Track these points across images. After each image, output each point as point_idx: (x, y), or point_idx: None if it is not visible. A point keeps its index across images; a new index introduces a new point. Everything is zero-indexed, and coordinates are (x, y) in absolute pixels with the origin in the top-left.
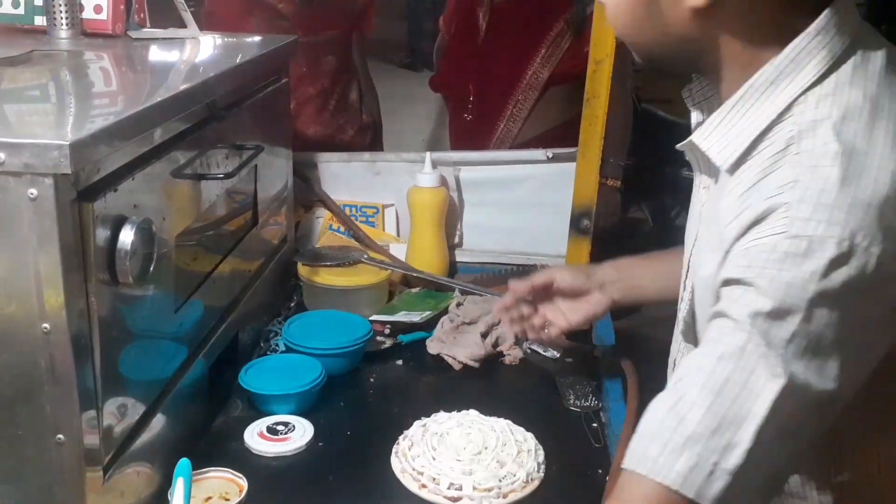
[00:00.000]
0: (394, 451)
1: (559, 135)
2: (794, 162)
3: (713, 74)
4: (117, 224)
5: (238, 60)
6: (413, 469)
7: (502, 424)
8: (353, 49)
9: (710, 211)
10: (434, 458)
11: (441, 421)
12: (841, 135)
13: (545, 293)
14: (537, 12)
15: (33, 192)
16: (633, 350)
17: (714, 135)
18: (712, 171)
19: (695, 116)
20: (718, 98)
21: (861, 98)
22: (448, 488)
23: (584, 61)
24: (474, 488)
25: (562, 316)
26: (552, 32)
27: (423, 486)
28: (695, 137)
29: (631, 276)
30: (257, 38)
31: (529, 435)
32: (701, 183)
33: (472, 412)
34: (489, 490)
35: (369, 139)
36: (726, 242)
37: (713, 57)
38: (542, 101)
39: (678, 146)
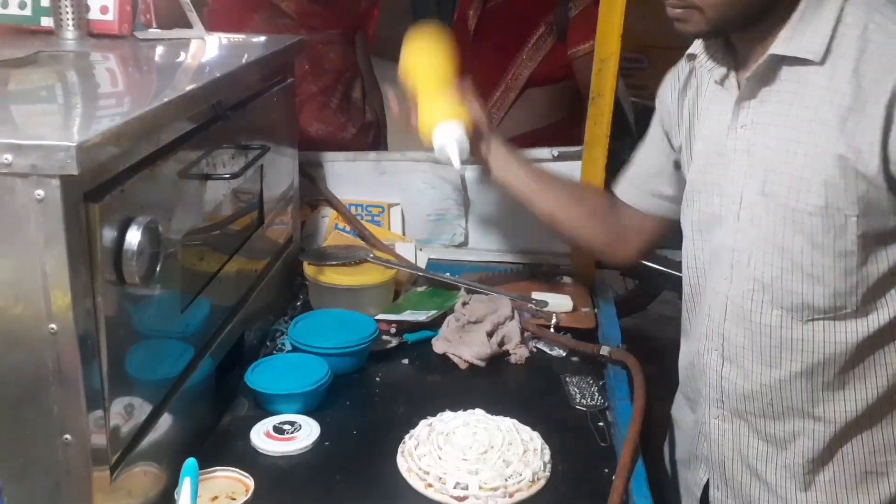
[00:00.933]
0: (400, 450)
1: (528, 140)
2: (888, 28)
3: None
4: (124, 224)
5: (244, 61)
6: (419, 468)
7: (508, 424)
8: (357, 47)
9: (785, 118)
10: (440, 458)
11: (447, 420)
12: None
13: None
14: (522, 16)
15: (40, 193)
16: (639, 349)
17: (794, 42)
18: (770, 86)
19: (715, 74)
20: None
21: None
22: (454, 488)
23: (564, 65)
24: (480, 487)
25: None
26: (534, 35)
27: (430, 485)
28: (776, 51)
29: (510, 163)
30: (263, 39)
31: (535, 434)
32: (737, 125)
33: (478, 411)
34: (495, 489)
35: (372, 138)
36: (861, 113)
37: None
38: (519, 103)
39: (749, 75)
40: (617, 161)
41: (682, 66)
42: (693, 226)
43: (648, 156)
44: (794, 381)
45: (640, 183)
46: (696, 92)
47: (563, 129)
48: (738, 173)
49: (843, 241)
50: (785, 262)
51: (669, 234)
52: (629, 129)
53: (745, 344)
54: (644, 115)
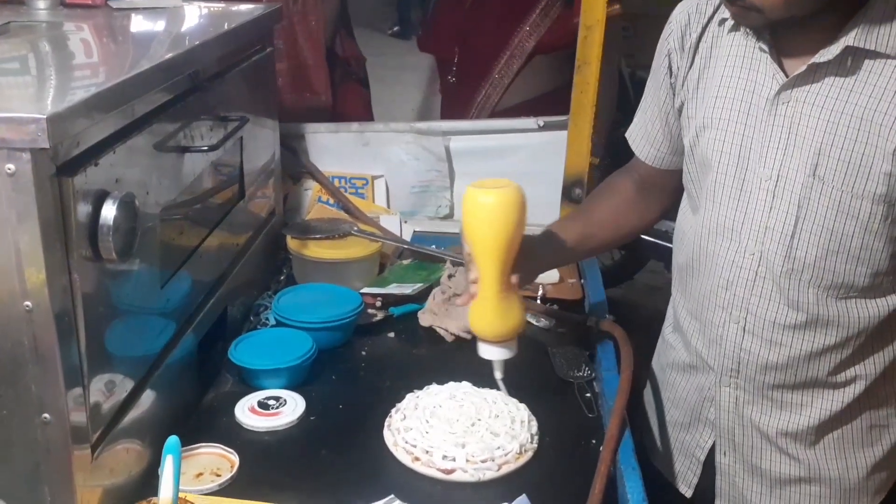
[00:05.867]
0: (386, 424)
1: (542, 104)
2: None
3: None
4: (99, 199)
5: (221, 29)
6: (406, 442)
7: (495, 396)
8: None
9: (845, 107)
10: (427, 432)
11: (434, 393)
12: None
13: None
14: None
15: (10, 167)
16: (626, 319)
17: (870, 35)
18: (834, 73)
19: (761, 41)
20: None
21: None
22: (442, 460)
23: (571, 32)
24: (468, 460)
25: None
26: (541, 2)
27: (417, 458)
28: (853, 42)
29: (534, 266)
30: (241, 7)
31: (522, 406)
32: (780, 101)
33: (465, 384)
34: (483, 462)
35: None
36: None
37: None
38: (526, 70)
39: (820, 61)
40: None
41: (689, 18)
42: (707, 194)
43: (656, 111)
44: (824, 353)
45: (660, 146)
46: (711, 49)
47: (569, 94)
48: (776, 150)
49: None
50: (833, 243)
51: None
52: (629, 99)
53: (775, 318)
54: (638, 84)
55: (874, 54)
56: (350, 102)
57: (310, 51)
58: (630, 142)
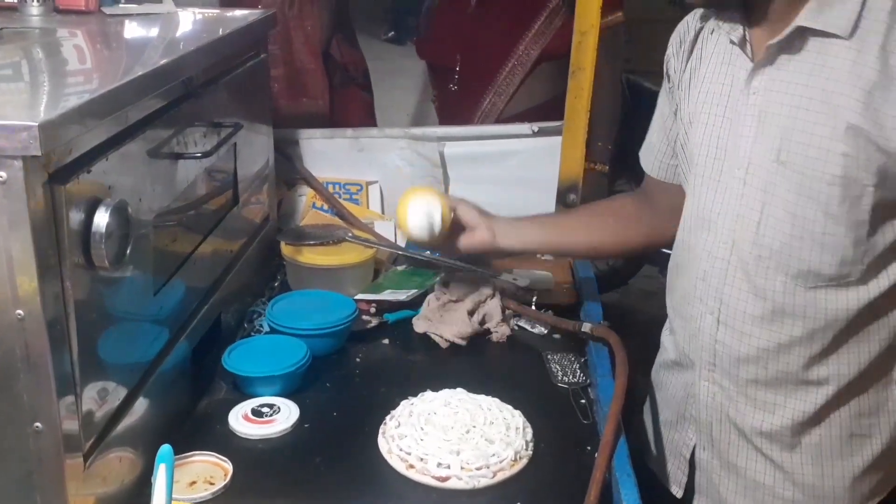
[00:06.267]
0: (381, 431)
1: (547, 111)
2: None
3: None
4: (91, 206)
5: (215, 35)
6: (400, 449)
7: (490, 402)
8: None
9: (804, 88)
10: (421, 439)
11: (428, 400)
12: None
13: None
14: None
15: (2, 175)
16: (621, 325)
17: (823, 16)
18: (793, 51)
19: (733, 35)
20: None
21: None
22: (436, 468)
23: None
24: (462, 467)
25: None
26: (546, 8)
27: (411, 466)
28: (803, 23)
29: (520, 228)
30: (235, 13)
31: (517, 412)
32: (750, 91)
33: (460, 390)
34: (478, 469)
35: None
36: (886, 88)
37: None
38: (531, 78)
39: (772, 42)
40: (632, 142)
41: (688, 25)
42: (690, 188)
43: (660, 121)
44: (792, 346)
45: (661, 156)
46: (701, 51)
47: None
48: (747, 139)
49: (857, 211)
50: (796, 229)
51: None
52: (627, 104)
53: (745, 308)
54: (635, 89)
55: (828, 35)
56: (351, 107)
57: (306, 55)
58: (640, 159)
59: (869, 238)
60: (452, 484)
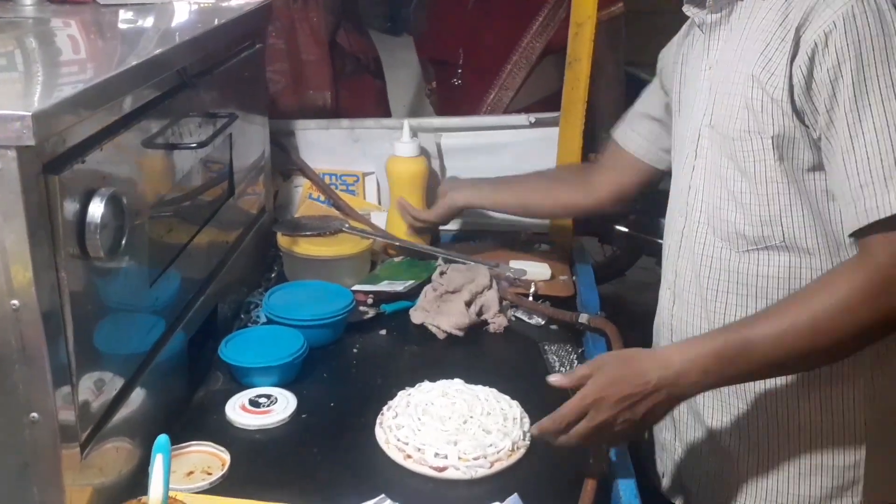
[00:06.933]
0: (378, 421)
1: (553, 104)
2: None
3: None
4: (86, 197)
5: (210, 26)
6: (398, 440)
7: (487, 393)
8: None
9: (736, 50)
10: (419, 429)
11: (426, 390)
12: None
13: None
14: None
15: None
16: (617, 316)
17: None
18: (727, 25)
19: (697, 19)
20: None
21: None
22: (434, 458)
23: None
24: (460, 458)
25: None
26: (549, 1)
27: (409, 456)
28: None
29: (479, 189)
30: (231, 3)
31: (515, 403)
32: (705, 66)
33: (457, 381)
34: (475, 459)
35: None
36: (785, 30)
37: None
38: (537, 71)
39: (704, 13)
40: None
41: (683, 29)
42: (673, 172)
43: (648, 103)
44: (727, 315)
45: (636, 126)
46: (688, 43)
47: None
48: (700, 112)
49: (762, 167)
50: (723, 191)
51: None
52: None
53: (690, 278)
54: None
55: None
56: (363, 95)
57: (312, 47)
58: (616, 133)
59: (781, 197)
60: (450, 474)
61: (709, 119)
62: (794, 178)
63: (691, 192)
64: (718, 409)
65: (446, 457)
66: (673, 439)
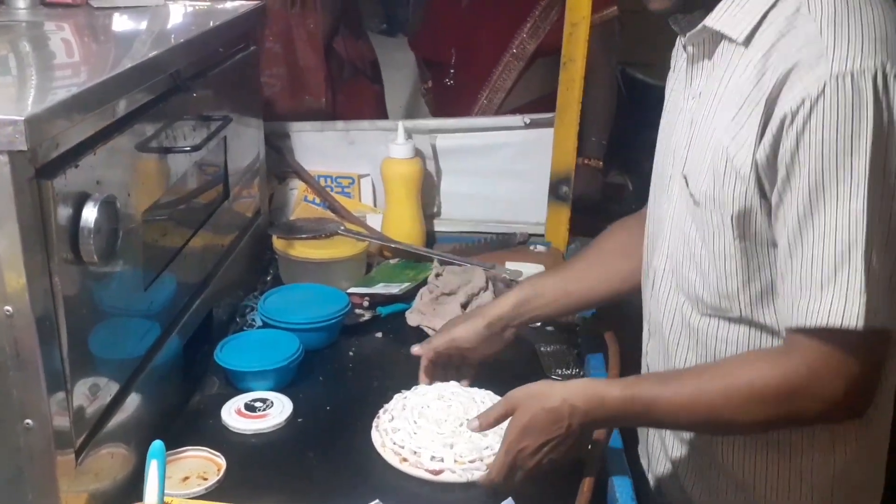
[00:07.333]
0: (374, 425)
1: (544, 106)
2: (811, 18)
3: None
4: (79, 201)
5: (203, 28)
6: (394, 443)
7: (483, 395)
8: None
9: (714, 97)
10: (415, 433)
11: (422, 393)
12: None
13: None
14: None
15: None
16: (613, 317)
17: (726, 16)
18: (711, 59)
19: (690, 49)
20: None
21: None
22: (430, 461)
23: None
24: (456, 461)
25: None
26: (541, 3)
27: (405, 459)
28: (707, 22)
29: (527, 312)
30: (224, 5)
31: None
32: (689, 95)
33: (453, 383)
34: (471, 462)
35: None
36: (758, 97)
37: None
38: (529, 73)
39: (688, 36)
40: (624, 138)
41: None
42: (650, 198)
43: None
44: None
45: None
46: (678, 63)
47: None
48: (679, 146)
49: (722, 242)
50: (686, 250)
51: None
52: (622, 97)
53: (658, 321)
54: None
55: (731, 40)
56: (360, 99)
57: (309, 53)
58: None
59: (741, 273)
60: (446, 477)
61: (682, 165)
62: (756, 254)
63: (661, 238)
64: (689, 473)
65: (442, 460)
66: (646, 471)
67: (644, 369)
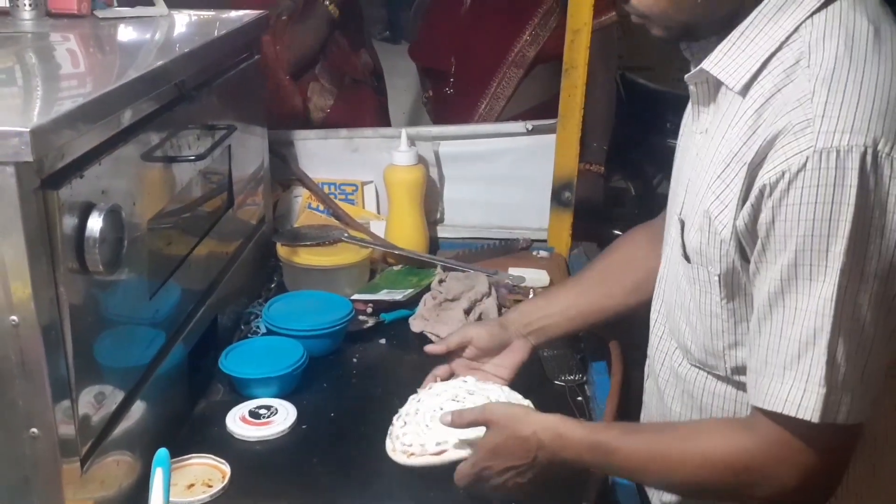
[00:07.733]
0: (388, 432)
1: (544, 113)
2: (808, 74)
3: (729, 22)
4: (84, 211)
5: (207, 38)
6: (403, 444)
7: (499, 393)
8: None
9: (713, 143)
10: (425, 433)
11: (436, 393)
12: (851, 50)
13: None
14: None
15: None
16: (615, 322)
17: (724, 60)
18: (714, 101)
19: (692, 88)
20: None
21: (865, 21)
22: (435, 446)
23: None
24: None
25: (491, 375)
26: (540, 10)
27: (412, 454)
28: (705, 65)
29: (539, 319)
30: (228, 15)
31: (527, 402)
32: (697, 129)
33: (470, 380)
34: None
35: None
36: (744, 158)
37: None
38: (528, 79)
39: (686, 77)
40: (626, 138)
41: None
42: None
43: None
44: (675, 418)
45: None
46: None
47: None
48: (681, 185)
49: (708, 300)
50: (678, 295)
51: None
52: (622, 101)
53: (654, 365)
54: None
55: (723, 85)
56: (362, 108)
57: (278, 73)
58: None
59: (727, 335)
60: (449, 455)
61: (680, 208)
62: (745, 317)
63: (661, 278)
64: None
65: (446, 441)
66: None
67: (642, 408)
